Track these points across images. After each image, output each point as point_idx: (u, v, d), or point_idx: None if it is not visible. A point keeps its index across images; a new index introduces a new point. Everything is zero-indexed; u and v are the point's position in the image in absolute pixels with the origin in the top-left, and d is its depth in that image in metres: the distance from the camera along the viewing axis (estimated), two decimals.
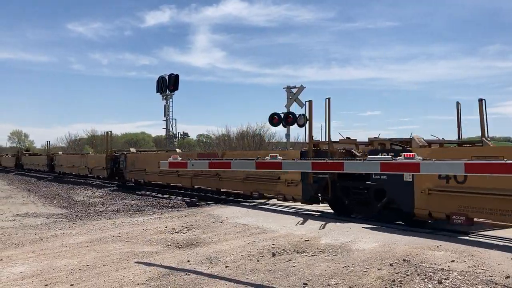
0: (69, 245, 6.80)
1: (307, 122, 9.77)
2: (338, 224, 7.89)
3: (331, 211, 9.53)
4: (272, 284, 4.60)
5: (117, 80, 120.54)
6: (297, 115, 19.70)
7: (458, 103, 9.68)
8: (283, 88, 20.77)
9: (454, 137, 9.86)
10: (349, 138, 10.15)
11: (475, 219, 6.69)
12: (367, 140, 9.49)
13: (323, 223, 7.93)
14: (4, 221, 10.10)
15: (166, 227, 8.14)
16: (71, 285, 4.69)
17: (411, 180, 7.43)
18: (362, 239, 6.57)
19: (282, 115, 19.71)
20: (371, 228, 7.32)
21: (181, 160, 6.83)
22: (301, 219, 8.54)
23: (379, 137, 9.32)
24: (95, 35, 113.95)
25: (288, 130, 20.65)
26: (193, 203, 13.54)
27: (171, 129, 30.76)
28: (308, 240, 6.61)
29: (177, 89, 30.29)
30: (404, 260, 5.25)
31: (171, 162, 6.78)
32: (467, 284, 4.38)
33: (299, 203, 10.37)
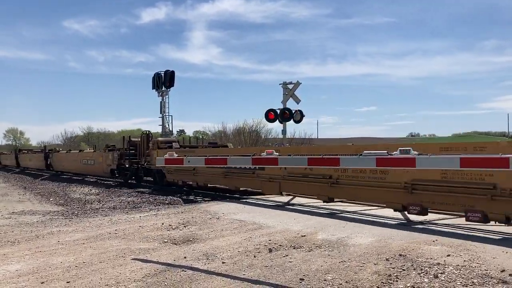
0: (66, 242, 6.79)
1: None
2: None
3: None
4: (269, 279, 4.61)
5: (113, 77, 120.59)
6: (293, 111, 19.67)
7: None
8: (279, 84, 20.74)
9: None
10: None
11: (188, 183, 15.35)
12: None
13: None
14: None
15: (162, 223, 8.14)
16: (68, 282, 4.68)
17: (164, 166, 13.43)
18: (358, 234, 6.59)
19: (278, 111, 19.68)
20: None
21: (177, 156, 6.82)
22: (296, 214, 8.56)
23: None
24: (91, 32, 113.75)
25: (285, 126, 20.62)
26: (190, 200, 13.54)
27: (167, 126, 30.65)
28: (304, 236, 6.62)
29: (173, 85, 30.11)
30: (400, 255, 5.27)
31: (167, 158, 6.78)
32: (462, 278, 4.40)
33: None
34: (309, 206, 9.94)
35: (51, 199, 15.22)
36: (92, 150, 27.92)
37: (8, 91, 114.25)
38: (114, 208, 12.18)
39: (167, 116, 30.42)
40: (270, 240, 6.43)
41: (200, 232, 7.28)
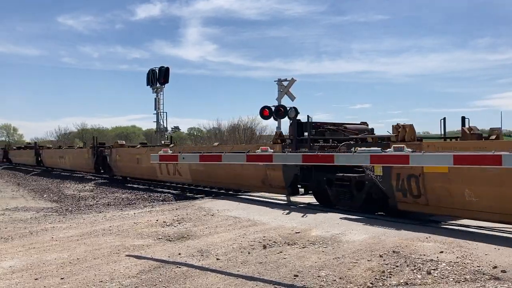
0: (59, 239, 6.77)
1: None
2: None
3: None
4: (263, 276, 4.62)
5: (108, 73, 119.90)
6: (288, 108, 19.66)
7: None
8: (274, 81, 20.75)
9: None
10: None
11: None
12: None
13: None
14: None
15: (157, 220, 8.13)
16: (62, 278, 4.67)
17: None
18: (352, 231, 6.62)
19: (273, 108, 19.68)
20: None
21: (172, 153, 6.82)
22: (291, 211, 8.57)
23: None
24: (86, 28, 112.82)
25: (279, 123, 20.66)
26: (184, 196, 13.53)
27: (161, 123, 30.59)
28: (298, 232, 6.64)
29: (167, 82, 30.01)
30: (394, 252, 5.31)
31: (161, 155, 6.77)
32: (455, 274, 4.44)
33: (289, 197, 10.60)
34: (304, 203, 9.97)
35: (44, 196, 15.16)
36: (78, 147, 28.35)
37: (1, 87, 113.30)
38: (108, 204, 12.16)
39: (161, 113, 30.35)
40: (264, 236, 6.45)
41: (195, 228, 7.29)
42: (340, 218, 7.64)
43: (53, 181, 21.28)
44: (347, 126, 10.77)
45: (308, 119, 9.94)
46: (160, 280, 4.56)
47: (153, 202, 12.35)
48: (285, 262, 5.07)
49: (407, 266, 4.74)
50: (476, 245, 5.50)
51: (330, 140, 10.29)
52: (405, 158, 4.47)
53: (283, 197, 10.88)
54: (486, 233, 6.35)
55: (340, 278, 4.46)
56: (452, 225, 6.99)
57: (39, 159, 29.81)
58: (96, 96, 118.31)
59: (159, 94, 30.15)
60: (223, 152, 6.28)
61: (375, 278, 4.41)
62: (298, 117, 12.20)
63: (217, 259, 5.33)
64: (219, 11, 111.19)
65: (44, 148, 30.54)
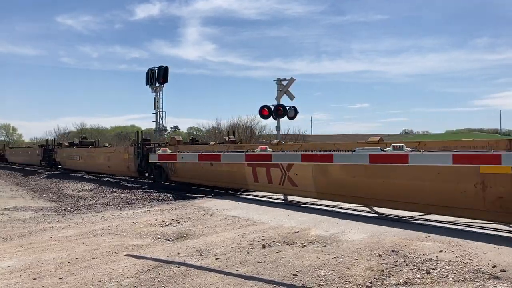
0: (58, 238, 6.76)
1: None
2: None
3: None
4: (262, 275, 4.62)
5: (107, 73, 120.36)
6: (287, 108, 19.67)
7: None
8: (274, 80, 20.72)
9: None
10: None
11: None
12: None
13: None
14: None
15: (156, 220, 8.12)
16: (60, 278, 4.66)
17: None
18: (351, 230, 6.62)
19: (272, 108, 19.69)
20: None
21: (170, 152, 6.81)
22: (291, 211, 8.57)
23: None
24: (85, 28, 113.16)
25: (278, 123, 20.67)
26: (183, 196, 13.52)
27: (161, 122, 30.59)
28: (298, 232, 6.64)
29: (166, 81, 29.99)
30: (393, 251, 5.30)
31: (160, 154, 6.75)
32: (454, 273, 4.44)
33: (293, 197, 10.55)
34: (303, 203, 9.96)
35: (43, 195, 15.14)
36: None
37: (0, 86, 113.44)
38: (107, 204, 12.13)
39: (160, 112, 30.36)
40: (263, 236, 6.44)
41: (194, 228, 7.28)
42: (340, 218, 7.63)
43: (52, 180, 21.25)
44: None
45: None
46: (159, 279, 4.55)
47: (152, 201, 12.33)
48: (284, 262, 5.06)
49: (406, 265, 4.74)
50: (476, 244, 5.49)
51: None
52: (404, 158, 4.47)
53: (283, 196, 10.89)
54: (486, 232, 6.35)
55: (339, 277, 4.46)
56: (451, 224, 6.98)
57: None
58: (95, 96, 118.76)
59: (158, 94, 30.16)
60: (222, 152, 6.27)
61: (374, 278, 4.40)
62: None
63: (216, 258, 5.32)
64: (218, 11, 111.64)
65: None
